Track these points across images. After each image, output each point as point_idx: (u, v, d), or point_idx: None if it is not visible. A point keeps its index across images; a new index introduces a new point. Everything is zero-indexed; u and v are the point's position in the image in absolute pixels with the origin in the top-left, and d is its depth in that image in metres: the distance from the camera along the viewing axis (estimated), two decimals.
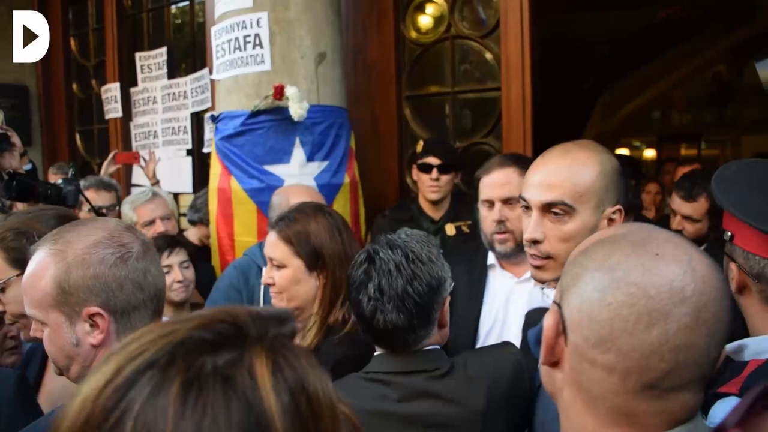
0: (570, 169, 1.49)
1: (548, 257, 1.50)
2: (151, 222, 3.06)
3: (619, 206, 1.50)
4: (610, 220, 1.49)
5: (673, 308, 0.82)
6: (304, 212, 2.01)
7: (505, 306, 2.20)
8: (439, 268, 1.59)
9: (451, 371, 1.57)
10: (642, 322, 0.82)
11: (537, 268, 1.53)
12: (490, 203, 2.20)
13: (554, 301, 0.95)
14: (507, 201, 2.18)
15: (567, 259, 1.00)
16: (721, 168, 1.54)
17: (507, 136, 3.63)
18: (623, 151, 10.33)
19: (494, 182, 2.21)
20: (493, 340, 2.15)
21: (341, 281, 1.90)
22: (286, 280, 1.97)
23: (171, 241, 2.72)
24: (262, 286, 2.61)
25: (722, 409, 1.34)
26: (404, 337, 1.56)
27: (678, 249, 0.88)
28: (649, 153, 10.64)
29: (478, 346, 2.16)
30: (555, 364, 0.93)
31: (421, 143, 3.25)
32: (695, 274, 0.84)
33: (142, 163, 4.41)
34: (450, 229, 3.11)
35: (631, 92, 9.65)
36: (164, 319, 2.47)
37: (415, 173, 3.27)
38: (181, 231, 4.08)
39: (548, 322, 0.92)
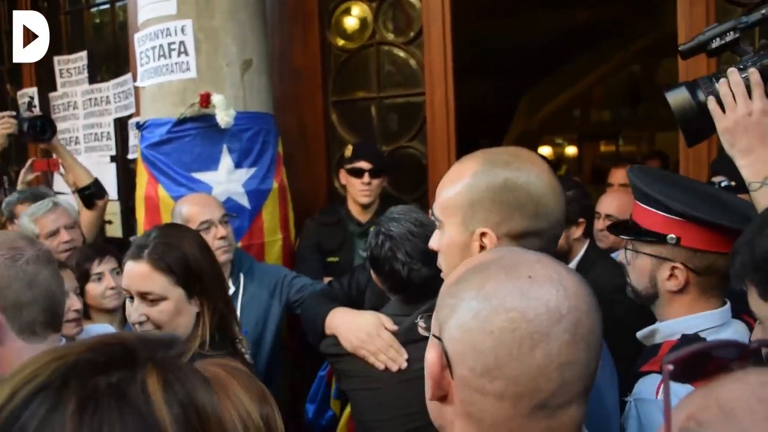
0: (445, 180, 1.38)
1: (440, 268, 1.42)
2: (55, 232, 2.95)
3: (487, 230, 1.28)
4: (482, 245, 1.30)
5: (552, 328, 0.84)
6: (174, 233, 1.85)
7: None
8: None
9: None
10: (525, 346, 0.83)
11: None
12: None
13: (433, 335, 0.94)
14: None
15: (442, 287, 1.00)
16: (636, 177, 1.61)
17: (432, 140, 3.74)
18: (545, 149, 10.68)
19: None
20: None
21: (217, 303, 1.80)
22: (167, 315, 1.76)
23: (100, 250, 2.71)
24: None
25: (645, 384, 1.47)
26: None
27: (548, 269, 0.90)
28: (571, 150, 11.03)
29: None
30: (443, 398, 0.92)
31: (350, 147, 3.33)
32: (567, 291, 0.87)
33: (61, 170, 4.29)
34: None
35: (551, 92, 9.98)
36: (98, 325, 2.46)
37: (344, 177, 3.34)
38: (106, 238, 4.02)
39: (431, 356, 0.91)
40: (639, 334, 1.68)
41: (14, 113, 3.44)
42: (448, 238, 1.34)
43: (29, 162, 4.17)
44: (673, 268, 1.56)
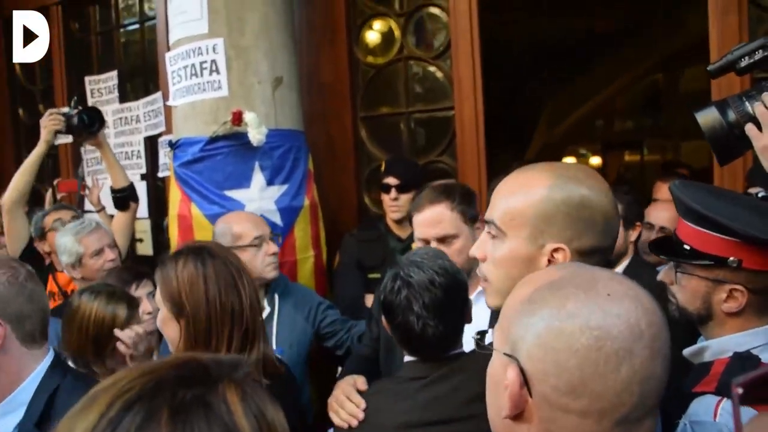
0: (511, 190, 1.33)
1: (486, 279, 1.37)
2: (100, 251, 3.00)
3: (562, 245, 1.25)
4: (552, 260, 1.26)
5: (635, 344, 0.86)
6: (177, 256, 1.89)
7: None
8: (462, 275, 1.79)
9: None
10: (611, 363, 0.85)
11: (484, 291, 1.42)
12: (426, 242, 2.22)
13: (506, 354, 0.93)
14: (442, 240, 2.21)
15: (506, 300, 0.99)
16: (687, 196, 1.55)
17: (462, 154, 3.73)
18: (569, 160, 10.61)
19: (426, 220, 2.24)
20: None
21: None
22: (160, 321, 1.90)
23: (137, 274, 2.71)
24: None
25: (701, 406, 1.44)
26: (448, 344, 1.76)
27: (623, 285, 0.92)
28: (595, 160, 10.95)
29: None
30: (518, 416, 0.92)
31: (384, 163, 3.34)
32: (644, 307, 0.89)
33: (86, 191, 4.34)
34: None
35: (574, 102, 9.94)
36: None
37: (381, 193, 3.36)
38: (137, 256, 4.06)
39: (510, 376, 0.91)
40: (686, 351, 1.64)
41: (63, 111, 3.45)
42: (510, 251, 1.29)
43: (55, 182, 4.23)
44: (732, 290, 1.52)
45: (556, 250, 1.26)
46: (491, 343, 1.02)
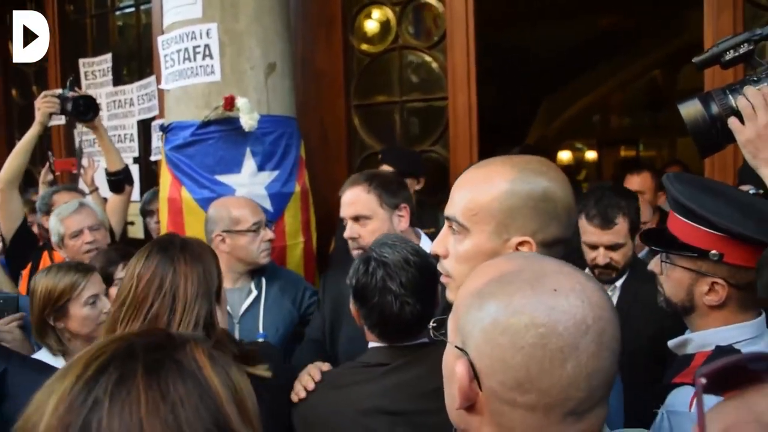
0: (471, 184, 1.31)
1: (448, 275, 1.36)
2: (79, 232, 3.02)
3: (527, 238, 1.25)
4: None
5: (580, 340, 0.85)
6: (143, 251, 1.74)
7: None
8: (432, 258, 1.71)
9: None
10: (556, 360, 0.85)
11: (445, 286, 1.39)
12: (346, 221, 2.39)
13: (456, 346, 0.94)
14: (356, 219, 2.37)
15: (459, 295, 0.98)
16: (676, 189, 1.56)
17: (454, 144, 3.74)
18: (565, 154, 10.63)
19: (345, 201, 2.42)
20: None
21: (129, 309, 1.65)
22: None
23: (124, 254, 2.71)
24: None
25: (678, 397, 1.46)
26: (423, 325, 1.68)
27: (571, 279, 0.91)
28: (591, 155, 10.97)
29: None
30: (469, 408, 0.93)
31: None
32: (590, 301, 0.88)
33: (81, 170, 4.34)
34: None
35: (571, 97, 9.95)
36: None
37: None
38: (128, 239, 4.05)
39: (459, 369, 0.91)
40: (671, 343, 1.66)
41: (57, 92, 3.45)
42: (474, 246, 1.28)
43: (48, 162, 4.23)
44: (713, 283, 1.53)
45: (521, 243, 1.26)
46: (444, 333, 1.02)
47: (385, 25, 4.05)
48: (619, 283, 2.57)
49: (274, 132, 3.21)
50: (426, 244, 2.19)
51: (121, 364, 0.72)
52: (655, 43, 8.45)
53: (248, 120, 3.06)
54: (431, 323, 1.20)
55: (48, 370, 1.84)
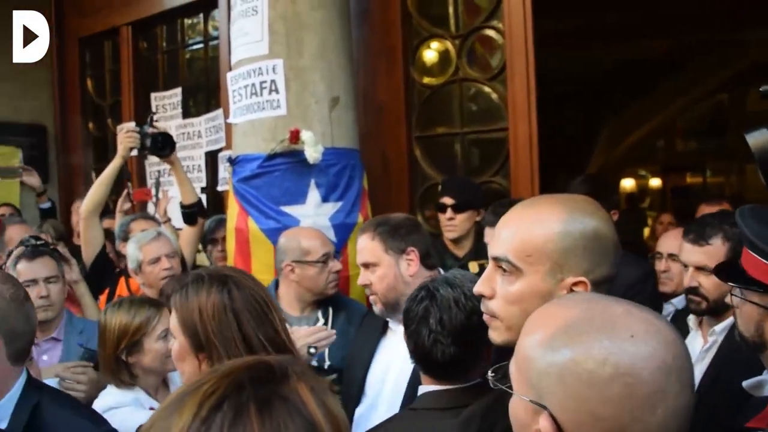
0: (524, 224, 1.31)
1: (495, 316, 1.34)
2: (157, 259, 3.14)
3: (582, 278, 1.25)
4: (570, 293, 1.26)
5: (666, 382, 0.86)
6: (200, 283, 1.71)
7: (389, 358, 2.38)
8: None
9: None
10: (647, 407, 0.85)
11: (489, 326, 1.39)
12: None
13: (533, 402, 0.93)
14: (366, 266, 2.40)
15: (519, 341, 0.98)
16: (745, 224, 1.53)
17: (515, 174, 3.74)
18: (628, 181, 10.41)
19: (357, 248, 2.47)
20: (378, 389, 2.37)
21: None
22: (175, 355, 1.73)
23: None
24: None
25: None
26: (459, 369, 1.68)
27: (642, 321, 0.91)
28: (655, 182, 10.72)
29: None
30: None
31: (441, 183, 3.37)
32: (666, 340, 0.89)
33: (154, 200, 4.49)
34: (473, 267, 3.16)
35: (634, 122, 9.77)
36: None
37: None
38: (196, 266, 4.18)
39: (543, 425, 0.90)
40: (746, 384, 1.60)
41: (138, 128, 3.62)
42: (528, 286, 1.28)
43: (126, 191, 4.41)
44: None
45: (576, 284, 1.26)
46: (505, 381, 1.02)
47: (445, 57, 4.10)
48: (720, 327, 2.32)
49: (338, 164, 3.29)
50: None
51: (233, 403, 0.75)
52: (719, 63, 8.27)
53: (313, 152, 3.14)
54: (490, 372, 1.18)
55: (79, 406, 1.93)
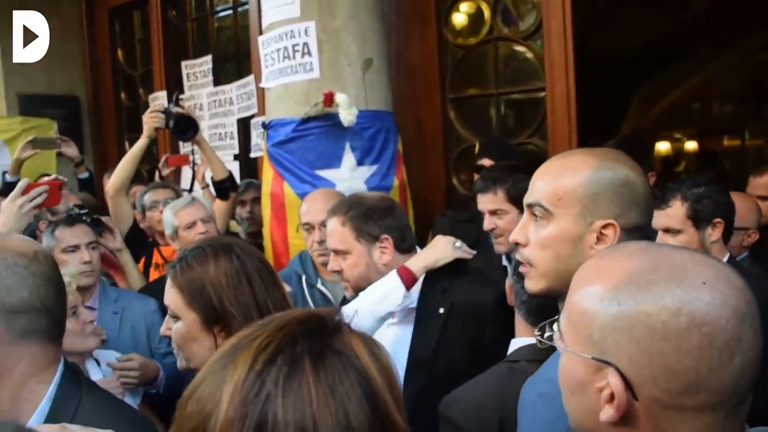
0: (556, 171, 1.35)
1: (530, 264, 1.37)
2: (192, 224, 3.15)
3: (611, 221, 1.28)
4: (600, 236, 1.28)
5: (741, 329, 0.83)
6: (203, 254, 1.61)
7: None
8: None
9: None
10: (725, 356, 0.82)
11: (525, 276, 1.40)
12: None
13: (597, 359, 0.88)
14: (336, 252, 2.23)
15: (572, 295, 0.94)
16: None
17: (552, 135, 3.67)
18: (662, 145, 10.20)
19: (327, 231, 2.29)
20: None
21: None
22: (180, 336, 1.61)
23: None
24: (308, 294, 2.80)
25: None
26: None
27: (709, 267, 0.87)
28: (691, 145, 10.48)
29: None
30: (624, 421, 0.88)
31: (478, 144, 3.31)
32: (736, 285, 0.86)
33: (192, 165, 4.50)
34: None
35: (668, 85, 9.54)
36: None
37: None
38: (230, 232, 4.21)
39: (613, 383, 0.86)
40: None
41: (162, 108, 3.62)
42: (559, 230, 1.31)
43: (164, 157, 4.43)
44: None
45: (605, 226, 1.29)
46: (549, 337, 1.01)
47: (478, 17, 4.02)
48: None
49: (373, 127, 3.25)
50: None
51: (288, 357, 0.75)
52: (757, 25, 8.00)
53: (347, 115, 3.11)
54: (536, 330, 1.16)
55: (121, 408, 1.52)
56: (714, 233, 2.46)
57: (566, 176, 1.32)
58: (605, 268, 0.92)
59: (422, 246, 2.35)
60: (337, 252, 2.23)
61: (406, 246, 2.24)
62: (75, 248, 2.78)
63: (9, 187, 4.22)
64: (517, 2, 3.92)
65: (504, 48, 3.96)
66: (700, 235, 2.45)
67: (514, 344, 1.73)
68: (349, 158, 3.20)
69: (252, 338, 0.78)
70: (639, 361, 0.84)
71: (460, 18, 4.10)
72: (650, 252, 0.92)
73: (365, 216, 2.19)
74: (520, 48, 3.89)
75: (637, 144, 3.33)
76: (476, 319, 2.13)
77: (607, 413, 0.87)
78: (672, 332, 0.83)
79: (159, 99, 5.59)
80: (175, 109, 3.59)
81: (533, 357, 1.59)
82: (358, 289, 2.21)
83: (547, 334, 1.11)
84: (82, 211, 3.07)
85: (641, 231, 1.30)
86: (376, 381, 0.77)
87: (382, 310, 2.08)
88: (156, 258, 3.62)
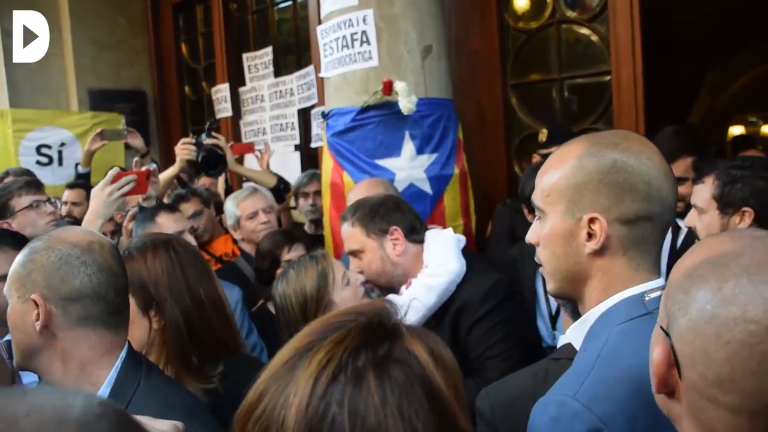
0: (547, 165, 1.28)
1: (541, 264, 1.33)
2: (254, 214, 3.22)
3: (596, 215, 1.18)
4: (589, 235, 1.20)
5: None
6: (143, 246, 1.80)
7: None
8: None
9: None
10: (766, 364, 0.75)
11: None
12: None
13: (661, 327, 0.87)
14: (353, 253, 2.29)
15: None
16: None
17: (618, 120, 3.54)
18: (737, 129, 9.79)
19: (343, 236, 2.36)
20: None
21: (187, 324, 1.73)
22: None
23: (290, 237, 2.85)
24: None
25: None
26: None
27: None
28: (767, 129, 10.03)
29: None
30: (670, 393, 0.86)
31: (544, 132, 3.23)
32: None
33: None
34: None
35: (742, 66, 9.13)
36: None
37: (538, 162, 3.26)
38: (294, 223, 4.25)
39: (657, 353, 0.85)
40: None
41: (194, 140, 3.59)
42: (551, 228, 1.24)
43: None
44: None
45: (592, 220, 1.19)
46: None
47: (540, 0, 3.91)
48: None
49: (432, 115, 3.21)
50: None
51: (351, 373, 0.72)
52: None
53: (407, 104, 3.07)
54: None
55: (175, 391, 1.52)
56: (741, 223, 2.16)
57: (552, 169, 1.25)
58: (704, 245, 0.89)
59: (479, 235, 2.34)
60: (353, 253, 2.29)
61: (416, 238, 2.29)
62: (179, 234, 2.75)
63: (81, 178, 4.39)
64: None
65: (567, 31, 3.84)
66: (724, 220, 2.19)
67: (562, 340, 1.67)
68: (408, 147, 3.17)
69: (312, 351, 0.75)
70: (685, 338, 0.81)
71: (521, 2, 4.00)
72: (756, 239, 0.86)
73: (371, 213, 2.27)
74: (584, 31, 3.77)
75: (696, 134, 3.09)
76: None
77: (654, 383, 0.87)
78: (718, 319, 0.78)
79: (221, 91, 5.69)
80: (207, 141, 3.57)
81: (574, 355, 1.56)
82: (381, 287, 2.26)
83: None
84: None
85: (650, 220, 1.19)
86: (442, 389, 0.73)
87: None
88: (204, 255, 3.66)
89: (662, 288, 1.17)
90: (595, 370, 1.10)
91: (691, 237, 2.31)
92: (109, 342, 1.40)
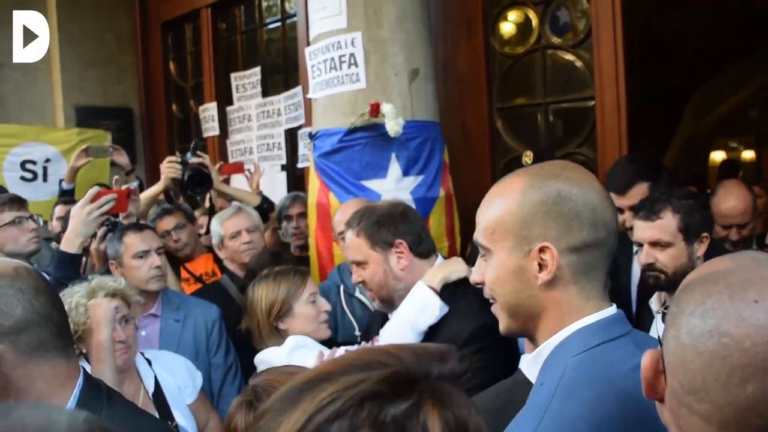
0: (487, 201, 1.26)
1: (493, 299, 1.29)
2: (237, 233, 3.21)
3: (544, 243, 1.17)
4: (540, 266, 1.18)
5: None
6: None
7: None
8: None
9: None
10: (736, 377, 0.76)
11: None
12: None
13: (658, 336, 0.91)
14: (357, 264, 2.23)
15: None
16: None
17: (602, 144, 3.59)
18: (718, 154, 9.92)
19: (345, 244, 2.32)
20: None
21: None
22: None
23: (277, 258, 2.86)
24: (345, 303, 2.89)
25: None
26: None
27: None
28: (748, 154, 10.16)
29: None
30: (661, 400, 0.89)
31: (529, 154, 3.24)
32: None
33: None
34: None
35: (724, 91, 9.26)
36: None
37: None
38: (283, 243, 4.24)
39: (646, 359, 0.88)
40: None
41: (180, 159, 3.61)
42: (498, 265, 1.23)
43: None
44: None
45: (542, 250, 1.18)
46: None
47: (526, 25, 3.97)
48: None
49: (419, 137, 3.24)
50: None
51: (346, 425, 0.67)
52: None
53: (393, 126, 3.10)
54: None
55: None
56: (701, 248, 2.38)
57: (495, 205, 1.23)
58: (709, 264, 0.91)
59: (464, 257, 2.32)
60: (356, 263, 2.23)
61: (422, 250, 2.22)
62: (145, 254, 2.73)
63: (65, 194, 4.37)
64: (566, 10, 3.86)
65: (552, 57, 3.90)
66: (689, 249, 2.36)
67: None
68: (394, 168, 3.20)
69: (324, 383, 0.71)
70: (670, 347, 0.85)
71: (507, 27, 4.06)
72: (752, 261, 0.87)
73: (377, 224, 2.19)
74: (568, 56, 3.83)
75: (652, 162, 3.11)
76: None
77: (643, 388, 0.89)
78: (696, 330, 0.81)
79: (209, 110, 5.70)
80: (192, 159, 3.58)
81: None
82: (382, 299, 2.21)
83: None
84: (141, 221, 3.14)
85: (598, 247, 1.19)
86: None
87: (423, 323, 2.06)
88: (183, 274, 3.65)
89: (616, 316, 1.21)
90: (552, 406, 1.10)
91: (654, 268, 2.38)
92: (63, 371, 1.32)
